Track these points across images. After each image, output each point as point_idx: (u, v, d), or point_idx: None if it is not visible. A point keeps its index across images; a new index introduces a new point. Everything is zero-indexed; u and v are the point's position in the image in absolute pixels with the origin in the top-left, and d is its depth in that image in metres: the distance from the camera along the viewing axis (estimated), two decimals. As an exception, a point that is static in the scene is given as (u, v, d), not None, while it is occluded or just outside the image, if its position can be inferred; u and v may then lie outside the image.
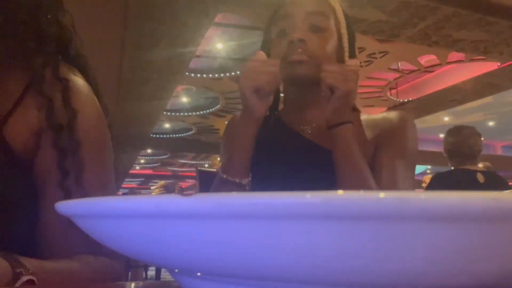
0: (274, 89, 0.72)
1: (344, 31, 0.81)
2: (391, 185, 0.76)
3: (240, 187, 0.73)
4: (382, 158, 0.79)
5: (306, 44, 0.75)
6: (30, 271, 0.42)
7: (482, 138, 2.12)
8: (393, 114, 0.83)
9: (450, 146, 2.10)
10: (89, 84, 0.60)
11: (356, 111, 0.85)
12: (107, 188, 0.58)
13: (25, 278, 0.41)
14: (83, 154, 0.54)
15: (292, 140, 0.81)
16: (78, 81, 0.58)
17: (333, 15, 0.80)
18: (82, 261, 0.52)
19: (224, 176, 0.72)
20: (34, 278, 0.42)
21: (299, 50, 0.74)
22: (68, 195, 0.52)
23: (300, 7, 0.79)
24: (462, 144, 2.05)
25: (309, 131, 0.82)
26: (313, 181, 0.75)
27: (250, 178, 0.75)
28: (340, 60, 0.79)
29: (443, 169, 2.32)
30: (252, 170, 0.76)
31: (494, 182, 2.02)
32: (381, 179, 0.76)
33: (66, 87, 0.55)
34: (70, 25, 0.60)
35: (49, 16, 0.56)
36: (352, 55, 0.83)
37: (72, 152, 0.53)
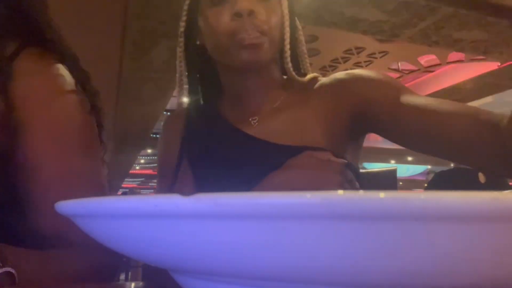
0: None
1: None
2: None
3: None
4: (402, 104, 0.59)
5: (256, 17, 0.60)
6: (10, 263, 0.40)
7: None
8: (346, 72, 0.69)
9: None
10: (72, 70, 0.58)
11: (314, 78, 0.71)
12: (82, 178, 0.54)
13: (1, 270, 0.39)
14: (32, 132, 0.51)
15: (234, 139, 0.68)
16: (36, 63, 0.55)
17: None
18: (73, 254, 0.49)
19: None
20: (14, 272, 0.40)
21: (251, 26, 0.60)
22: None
23: None
24: None
25: (255, 124, 0.68)
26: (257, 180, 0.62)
27: None
28: (281, 34, 0.65)
29: (443, 169, 2.32)
30: (195, 175, 0.67)
31: (495, 182, 2.02)
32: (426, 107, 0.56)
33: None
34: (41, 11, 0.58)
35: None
36: (293, 26, 0.69)
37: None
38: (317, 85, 0.71)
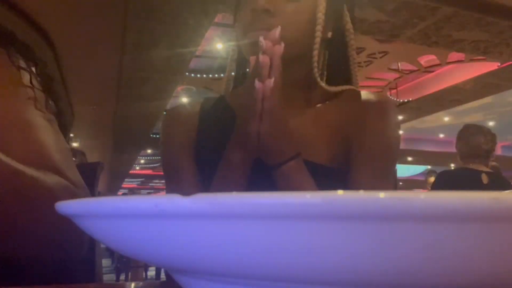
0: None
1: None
2: None
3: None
4: (357, 170, 0.64)
5: (273, 15, 0.59)
6: None
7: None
8: (372, 98, 0.70)
9: (459, 145, 2.08)
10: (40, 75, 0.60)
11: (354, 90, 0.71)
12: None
13: None
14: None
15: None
16: None
17: None
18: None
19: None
20: None
21: (264, 25, 0.58)
22: None
23: None
24: (468, 143, 2.03)
25: None
26: None
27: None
28: (311, 39, 0.63)
29: (443, 169, 2.31)
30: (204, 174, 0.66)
31: (498, 184, 1.99)
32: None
33: None
34: None
35: None
36: (340, 30, 0.68)
37: None
38: (348, 99, 0.70)
